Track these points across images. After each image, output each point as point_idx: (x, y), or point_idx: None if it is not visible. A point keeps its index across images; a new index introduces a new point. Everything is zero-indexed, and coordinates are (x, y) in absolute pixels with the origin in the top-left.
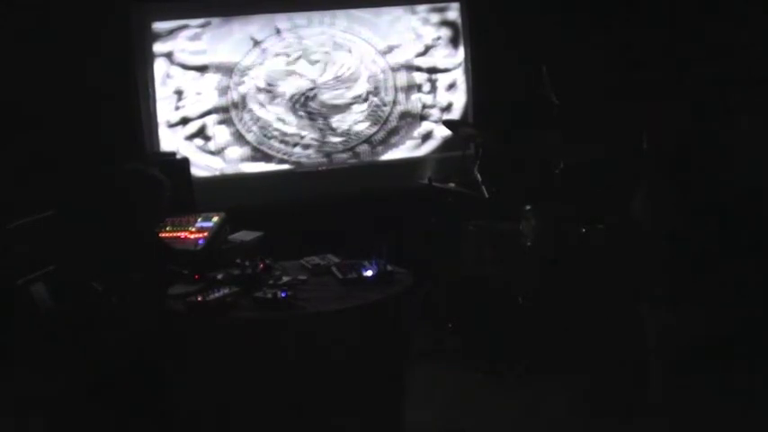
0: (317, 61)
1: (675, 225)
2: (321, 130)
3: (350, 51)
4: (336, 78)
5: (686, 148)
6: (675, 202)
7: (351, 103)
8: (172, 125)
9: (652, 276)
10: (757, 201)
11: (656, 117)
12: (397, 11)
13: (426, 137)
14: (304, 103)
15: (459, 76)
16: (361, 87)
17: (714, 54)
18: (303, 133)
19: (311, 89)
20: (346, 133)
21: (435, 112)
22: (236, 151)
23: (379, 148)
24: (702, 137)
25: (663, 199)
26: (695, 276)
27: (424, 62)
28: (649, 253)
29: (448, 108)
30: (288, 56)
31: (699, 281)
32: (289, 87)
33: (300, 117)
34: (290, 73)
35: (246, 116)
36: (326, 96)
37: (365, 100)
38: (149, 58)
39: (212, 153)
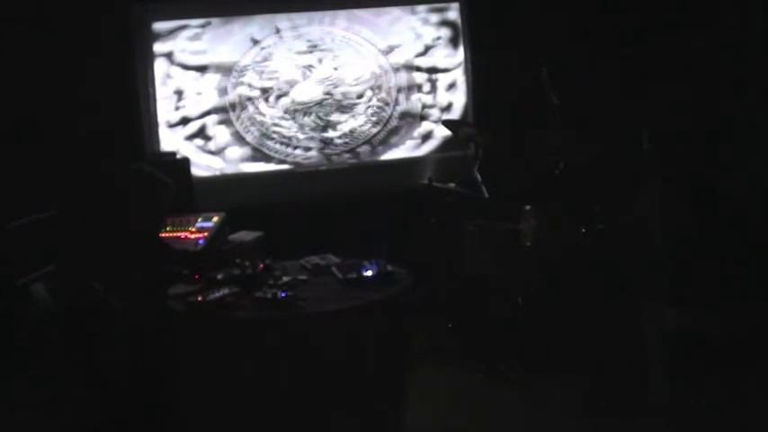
0: (316, 61)
1: (684, 226)
2: (321, 131)
3: (350, 51)
4: (336, 78)
5: (696, 148)
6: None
7: (351, 104)
8: (172, 125)
9: (654, 276)
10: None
11: (661, 117)
12: (397, 11)
13: (426, 137)
14: (304, 104)
15: (459, 76)
16: (362, 88)
17: (720, 53)
18: (303, 135)
19: (311, 89)
20: (348, 134)
21: (435, 112)
22: (236, 151)
23: (380, 148)
24: (712, 137)
25: (672, 199)
26: (698, 276)
27: (424, 62)
28: (652, 253)
29: (448, 108)
30: (287, 56)
31: (702, 281)
32: (288, 87)
33: (300, 118)
34: (290, 73)
35: (246, 116)
36: (326, 97)
37: (367, 100)
38: (149, 58)
39: (212, 153)
